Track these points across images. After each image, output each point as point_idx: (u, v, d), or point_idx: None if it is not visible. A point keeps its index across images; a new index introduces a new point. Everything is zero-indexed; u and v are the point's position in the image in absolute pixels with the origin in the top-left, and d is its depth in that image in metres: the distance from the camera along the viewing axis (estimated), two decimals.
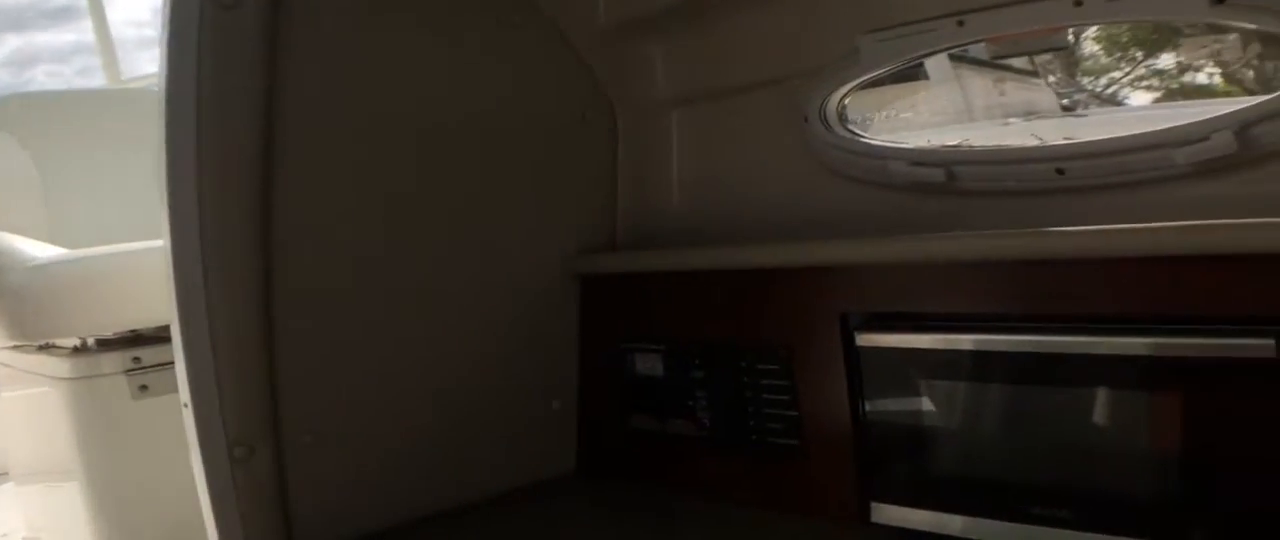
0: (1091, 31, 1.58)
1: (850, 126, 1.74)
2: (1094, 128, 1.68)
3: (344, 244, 1.66)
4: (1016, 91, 1.91)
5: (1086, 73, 1.63)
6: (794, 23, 1.74)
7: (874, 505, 1.58)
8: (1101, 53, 1.60)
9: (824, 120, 1.75)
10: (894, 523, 1.56)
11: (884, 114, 1.88)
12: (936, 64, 1.88)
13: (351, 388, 1.68)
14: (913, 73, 1.79)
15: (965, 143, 1.67)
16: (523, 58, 1.88)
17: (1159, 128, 1.52)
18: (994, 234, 1.48)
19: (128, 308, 2.29)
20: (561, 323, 1.98)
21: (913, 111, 1.96)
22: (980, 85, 1.97)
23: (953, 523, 1.50)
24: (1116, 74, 1.53)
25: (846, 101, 1.75)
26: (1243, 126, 1.35)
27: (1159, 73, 1.38)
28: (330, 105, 1.62)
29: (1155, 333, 1.30)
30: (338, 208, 1.65)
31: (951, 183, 1.63)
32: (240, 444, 1.52)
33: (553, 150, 1.94)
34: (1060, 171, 1.53)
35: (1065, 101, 1.85)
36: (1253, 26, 1.40)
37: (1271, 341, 1.20)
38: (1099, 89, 1.50)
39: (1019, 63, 1.87)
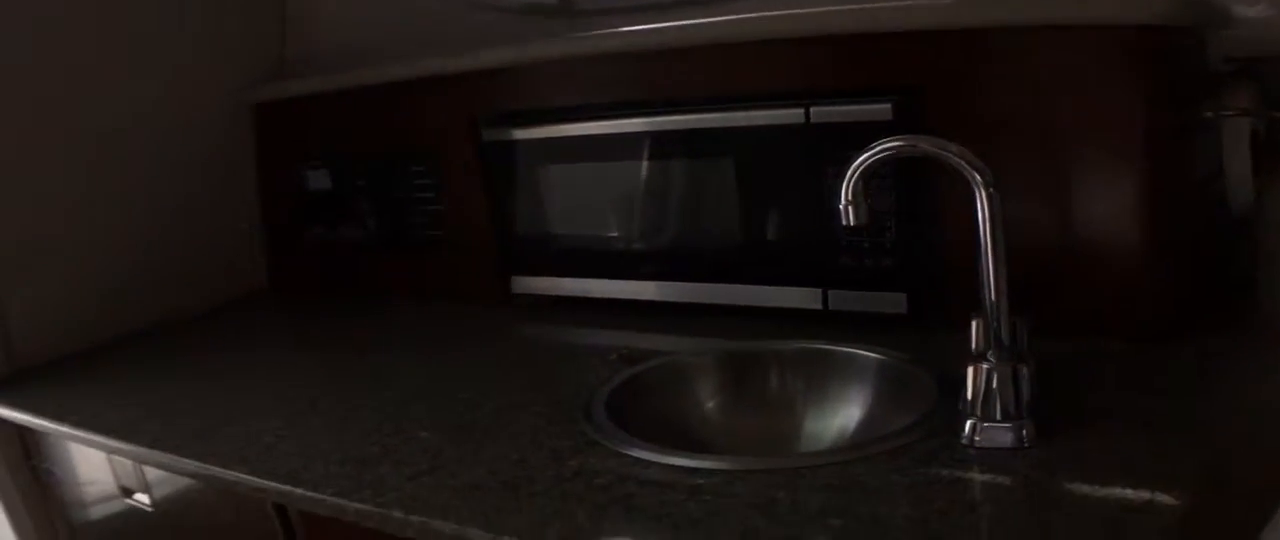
0: None
1: None
2: None
3: (25, 90, 1.78)
4: None
5: None
6: None
7: (513, 279, 1.83)
8: None
9: None
10: (528, 291, 1.81)
11: None
12: None
13: (52, 220, 1.84)
14: None
15: None
16: None
17: None
18: (580, 38, 1.70)
19: None
20: (240, 150, 2.14)
21: None
22: None
23: (569, 285, 1.75)
24: None
25: None
26: None
27: None
28: None
29: (717, 109, 1.51)
30: (18, 58, 1.76)
31: (567, 4, 1.84)
32: None
33: None
34: None
35: None
36: None
37: (801, 110, 1.41)
38: None
39: None
